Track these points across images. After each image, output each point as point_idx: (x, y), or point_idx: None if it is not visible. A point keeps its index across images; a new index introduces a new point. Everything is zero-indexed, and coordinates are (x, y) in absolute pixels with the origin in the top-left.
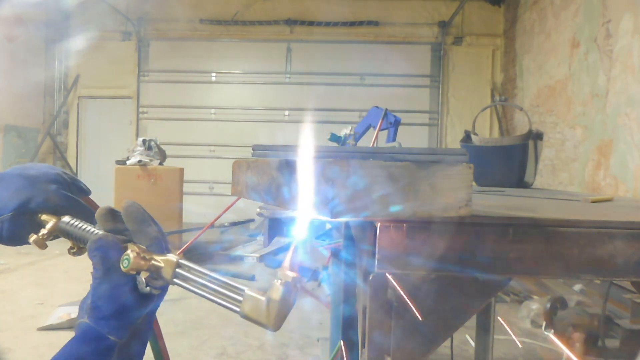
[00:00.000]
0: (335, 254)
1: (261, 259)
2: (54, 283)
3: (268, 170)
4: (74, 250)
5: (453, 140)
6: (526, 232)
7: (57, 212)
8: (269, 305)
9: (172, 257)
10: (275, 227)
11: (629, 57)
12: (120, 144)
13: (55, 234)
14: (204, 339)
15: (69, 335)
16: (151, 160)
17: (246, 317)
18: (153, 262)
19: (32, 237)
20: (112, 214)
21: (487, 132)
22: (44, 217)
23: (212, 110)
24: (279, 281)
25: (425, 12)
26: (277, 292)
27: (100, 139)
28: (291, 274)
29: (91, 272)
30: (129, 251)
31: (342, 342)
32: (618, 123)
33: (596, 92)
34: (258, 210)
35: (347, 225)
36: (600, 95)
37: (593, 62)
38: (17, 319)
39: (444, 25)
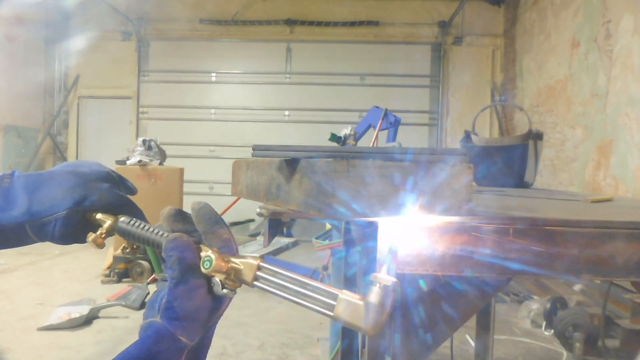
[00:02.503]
0: (335, 254)
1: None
2: (54, 283)
3: (268, 170)
4: (128, 250)
5: (453, 140)
6: (526, 232)
7: (109, 211)
8: (368, 310)
9: (252, 259)
10: (275, 227)
11: (629, 57)
12: (120, 144)
13: (112, 233)
14: None
15: (69, 335)
16: (151, 160)
17: (342, 321)
18: (232, 264)
19: (91, 236)
20: (181, 214)
21: (487, 132)
22: (98, 216)
23: (212, 110)
24: (378, 285)
25: (425, 12)
26: (376, 296)
27: (100, 139)
28: (389, 279)
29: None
30: (209, 252)
31: (341, 342)
32: (618, 123)
33: (596, 92)
34: (258, 210)
35: (347, 225)
36: (600, 95)
37: (593, 62)
38: (17, 319)
39: (444, 25)
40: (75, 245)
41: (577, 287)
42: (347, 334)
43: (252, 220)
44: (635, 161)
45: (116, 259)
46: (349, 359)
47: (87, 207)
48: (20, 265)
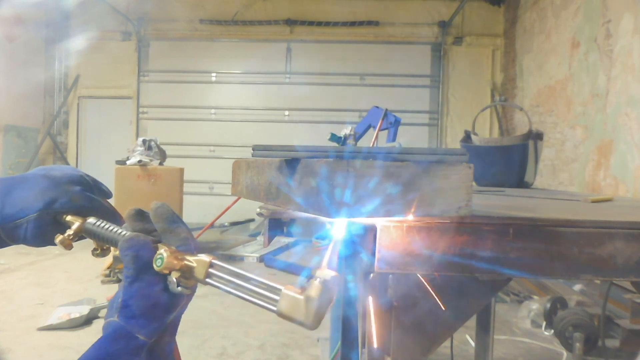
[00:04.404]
0: (335, 253)
1: (261, 259)
2: (54, 283)
3: (268, 170)
4: (98, 251)
5: (453, 140)
6: (526, 232)
7: (81, 214)
8: (308, 304)
9: (204, 257)
10: (275, 227)
11: (629, 57)
12: (120, 144)
13: (80, 234)
14: (205, 338)
15: (69, 335)
16: (151, 160)
17: (283, 315)
18: (185, 262)
19: (59, 238)
20: (140, 214)
21: (487, 132)
22: (68, 218)
23: (212, 110)
24: (318, 279)
25: (425, 12)
26: (315, 290)
27: (100, 139)
28: (330, 272)
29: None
30: (162, 250)
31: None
32: (618, 123)
33: (596, 92)
34: (258, 210)
35: (347, 225)
36: (600, 95)
37: (593, 62)
38: (17, 319)
39: (444, 25)
40: (75, 245)
41: (577, 287)
42: (347, 334)
43: (252, 220)
44: (635, 161)
45: (116, 259)
46: (349, 359)
47: (57, 209)
48: (20, 265)
